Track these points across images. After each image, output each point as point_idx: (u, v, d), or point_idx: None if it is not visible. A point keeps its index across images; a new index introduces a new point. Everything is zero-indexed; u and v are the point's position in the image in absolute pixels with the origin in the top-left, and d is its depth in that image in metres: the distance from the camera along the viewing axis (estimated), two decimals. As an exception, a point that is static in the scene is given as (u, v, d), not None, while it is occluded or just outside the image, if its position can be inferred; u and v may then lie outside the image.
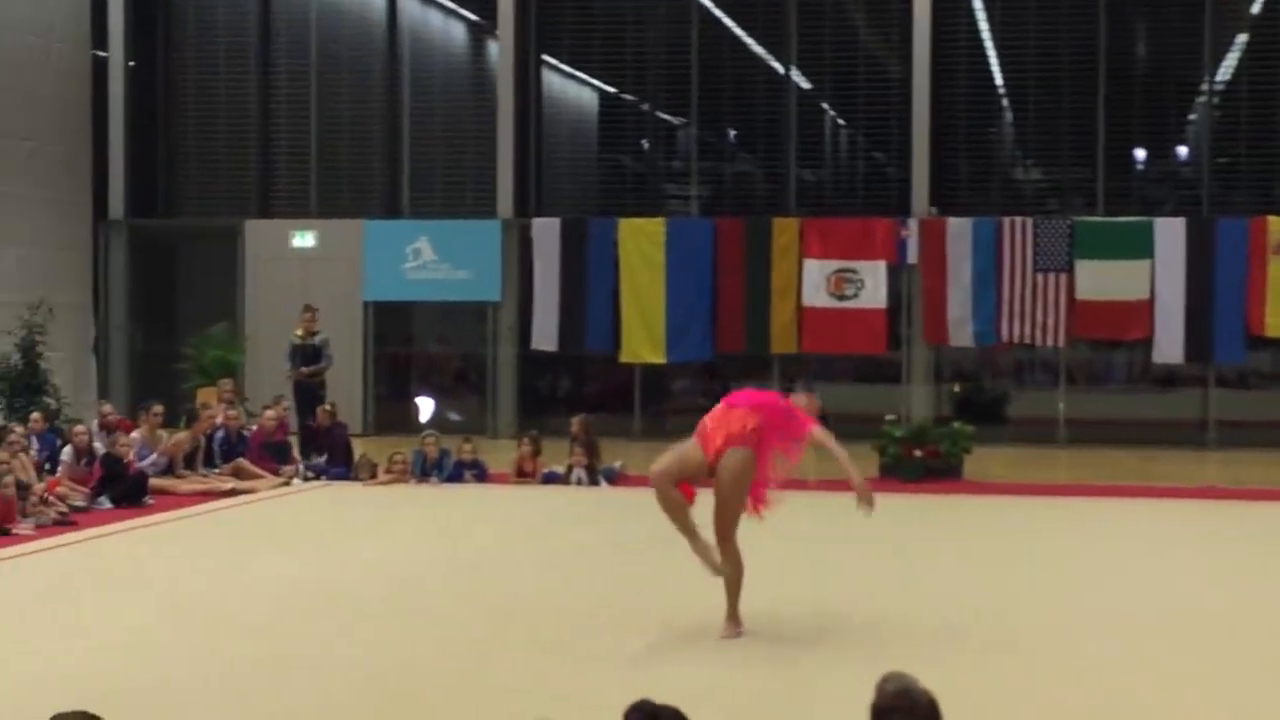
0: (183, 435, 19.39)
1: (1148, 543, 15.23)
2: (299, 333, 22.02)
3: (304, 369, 21.74)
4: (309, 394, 21.59)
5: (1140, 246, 24.44)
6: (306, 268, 26.74)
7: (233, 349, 24.74)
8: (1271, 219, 24.20)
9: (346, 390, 24.64)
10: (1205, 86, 25.84)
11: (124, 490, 17.18)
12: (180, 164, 28.35)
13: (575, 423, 20.07)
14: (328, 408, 20.93)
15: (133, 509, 16.85)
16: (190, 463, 19.12)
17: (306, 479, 19.76)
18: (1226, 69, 26.00)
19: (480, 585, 12.43)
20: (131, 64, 27.72)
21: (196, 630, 10.71)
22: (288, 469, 19.76)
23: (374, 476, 19.63)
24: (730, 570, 10.38)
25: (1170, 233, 24.46)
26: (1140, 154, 26.55)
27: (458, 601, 11.73)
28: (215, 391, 21.77)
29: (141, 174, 27.93)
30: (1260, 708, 8.89)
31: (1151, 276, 24.40)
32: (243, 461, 19.40)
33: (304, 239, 27.02)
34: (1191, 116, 26.49)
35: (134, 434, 18.59)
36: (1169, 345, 24.48)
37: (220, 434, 19.69)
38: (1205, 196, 25.65)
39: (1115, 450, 23.85)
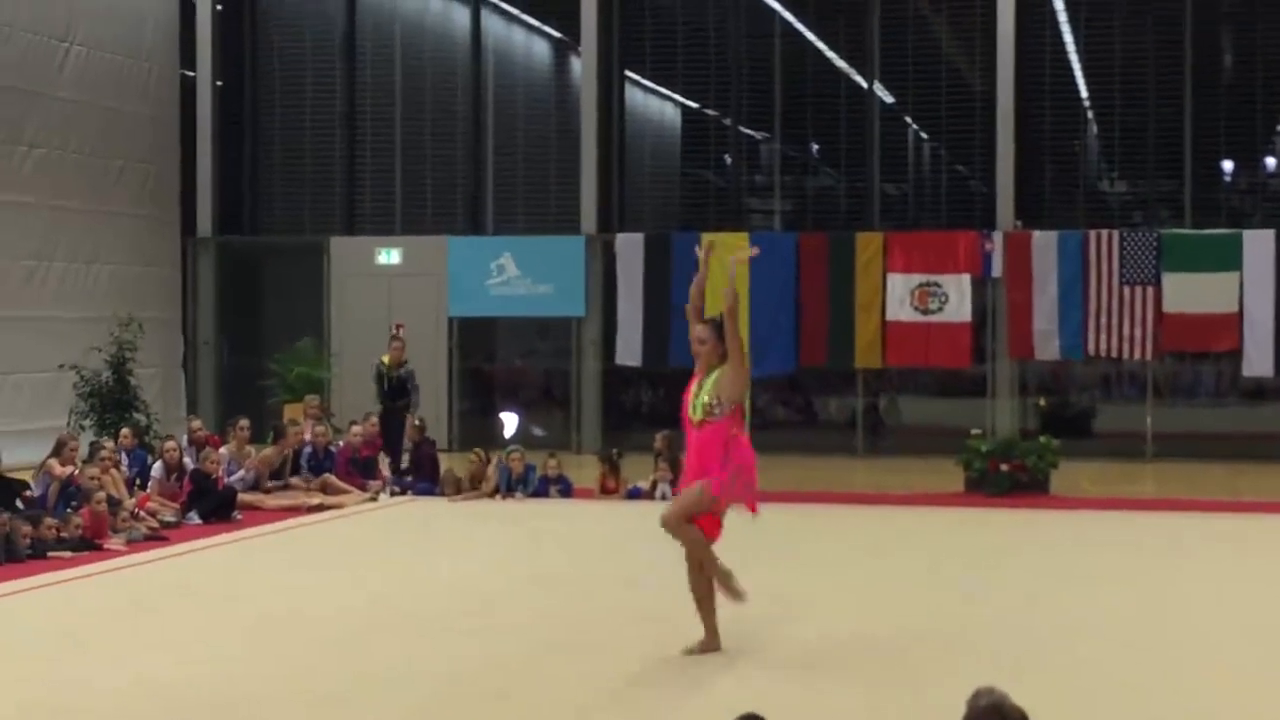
0: (270, 451, 19.54)
1: (1235, 558, 15.09)
2: (386, 360, 22.01)
3: (397, 403, 21.68)
4: (397, 423, 21.55)
5: (1228, 259, 24.22)
6: (391, 284, 26.94)
7: (318, 365, 24.93)
8: (1362, 230, 23.94)
9: (432, 406, 24.77)
10: (1293, 97, 25.61)
11: (213, 505, 17.34)
12: (266, 182, 28.63)
13: (659, 438, 20.08)
14: (416, 423, 21.04)
15: (222, 524, 16.99)
16: (279, 475, 19.30)
17: (393, 494, 19.88)
18: (1315, 78, 25.75)
19: (563, 602, 12.46)
20: (219, 83, 28.04)
21: (285, 644, 10.80)
22: (374, 484, 19.88)
23: (459, 492, 19.71)
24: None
25: (1259, 245, 24.23)
26: (1228, 165, 26.32)
27: (541, 618, 11.77)
28: (301, 407, 21.93)
29: (229, 192, 28.23)
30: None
31: (1240, 289, 24.17)
32: (330, 477, 19.53)
33: (389, 256, 27.20)
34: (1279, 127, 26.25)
35: (222, 449, 18.77)
36: (1258, 358, 24.24)
37: (307, 450, 19.85)
38: (1294, 208, 25.41)
39: (1203, 464, 23.64)
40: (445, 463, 21.11)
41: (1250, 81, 25.84)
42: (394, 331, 22.66)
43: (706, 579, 10.32)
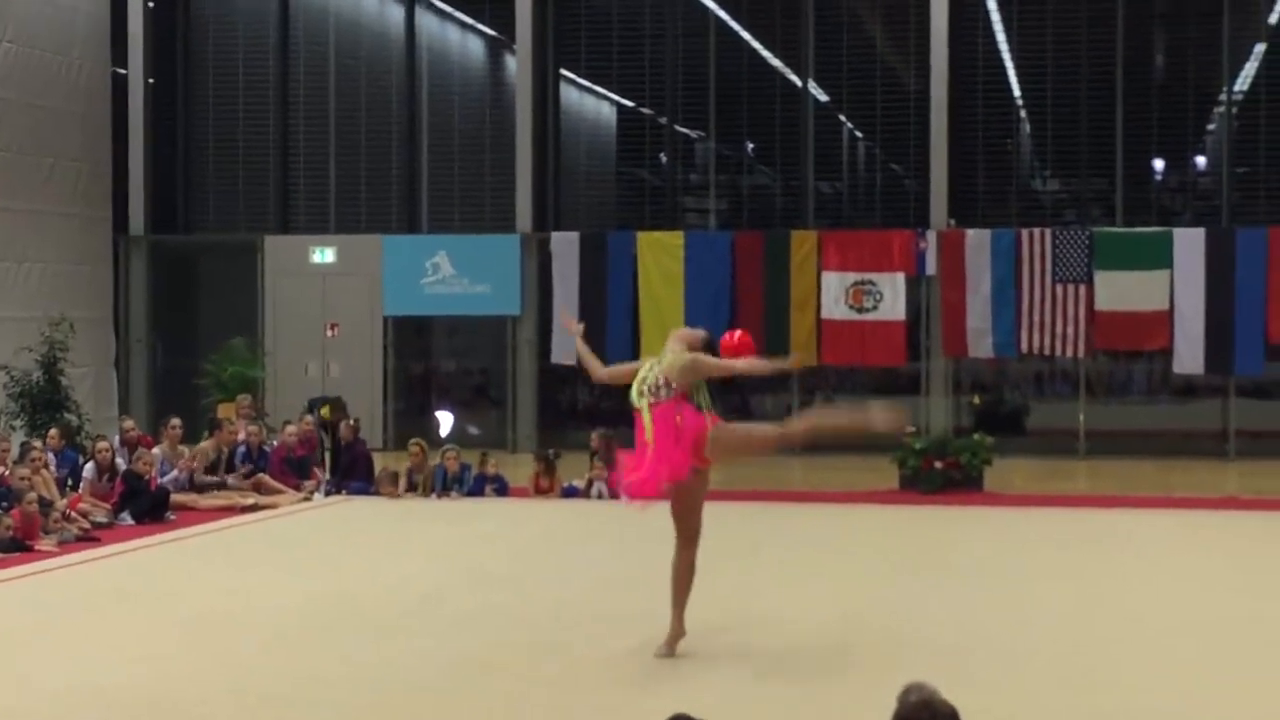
0: (205, 444, 19.49)
1: (1167, 554, 15.22)
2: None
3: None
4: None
5: (1159, 257, 24.42)
6: (326, 283, 26.86)
7: (252, 364, 24.79)
8: (1291, 229, 24.17)
9: (366, 405, 24.70)
10: (1224, 96, 25.82)
11: (145, 506, 17.23)
12: (199, 180, 28.44)
13: (595, 437, 20.09)
14: (350, 423, 20.97)
15: (155, 525, 16.89)
16: (214, 470, 19.19)
17: (328, 494, 19.80)
18: (1245, 79, 25.97)
19: (501, 600, 12.44)
20: (151, 81, 27.82)
21: (218, 645, 10.74)
22: (309, 484, 19.80)
23: (394, 491, 19.65)
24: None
25: (1189, 243, 24.43)
26: (1159, 164, 26.52)
27: (478, 617, 11.75)
28: (235, 407, 21.81)
29: (161, 190, 28.03)
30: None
31: (1171, 287, 24.35)
32: (264, 476, 19.45)
33: (323, 255, 27.08)
34: (1210, 126, 26.47)
35: (155, 450, 18.65)
36: (1189, 356, 24.44)
37: (241, 449, 19.76)
38: (1224, 206, 25.62)
39: (1135, 461, 23.84)
40: (380, 462, 21.03)
41: (1181, 81, 26.06)
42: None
43: (688, 567, 10.43)
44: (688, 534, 10.56)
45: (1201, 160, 26.75)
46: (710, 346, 10.66)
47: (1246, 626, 11.29)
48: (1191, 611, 11.91)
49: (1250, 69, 25.93)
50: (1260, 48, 25.86)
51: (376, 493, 19.78)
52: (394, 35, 27.93)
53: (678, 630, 10.36)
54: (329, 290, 26.82)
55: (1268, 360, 24.56)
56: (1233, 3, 25.50)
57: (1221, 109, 25.95)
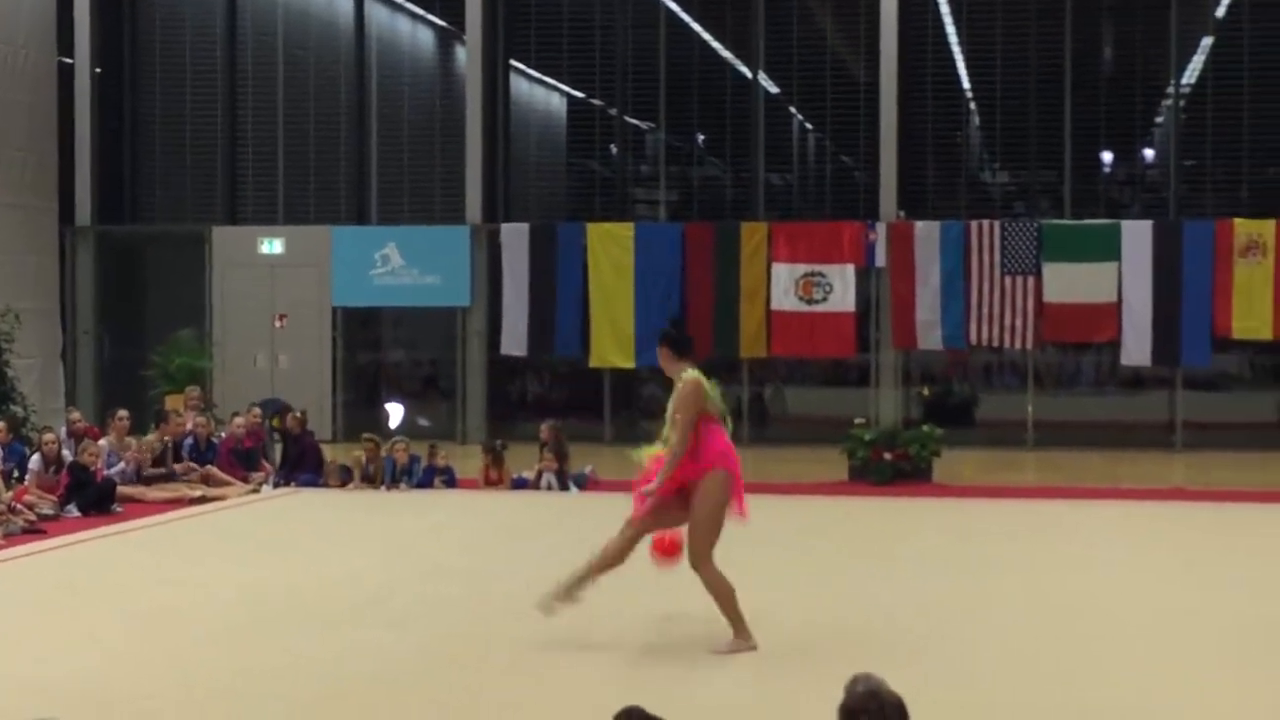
0: (151, 436, 19.37)
1: (1115, 545, 15.29)
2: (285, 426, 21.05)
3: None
4: None
5: (1107, 249, 24.54)
6: (274, 274, 26.76)
7: (199, 356, 24.65)
8: (1237, 221, 24.32)
9: (315, 397, 24.61)
10: (1171, 90, 25.96)
11: (92, 498, 17.10)
12: (147, 170, 28.28)
13: (544, 428, 20.06)
14: (298, 415, 20.87)
15: (101, 517, 16.78)
16: (162, 462, 19.08)
17: (276, 486, 19.72)
18: (1192, 72, 26.12)
19: (450, 592, 12.41)
20: (98, 71, 27.64)
21: (166, 638, 10.67)
22: (257, 476, 19.71)
23: (342, 484, 19.60)
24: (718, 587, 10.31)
25: (1137, 235, 24.56)
26: (1107, 157, 26.65)
27: (428, 609, 11.72)
28: (183, 398, 21.69)
29: (108, 180, 27.85)
30: (1227, 705, 8.93)
31: (1118, 279, 24.49)
32: (212, 469, 19.36)
33: (271, 246, 26.97)
34: (1158, 119, 26.61)
35: (101, 441, 18.52)
36: (1136, 348, 24.57)
37: (189, 441, 19.66)
38: (1172, 199, 25.77)
39: (1083, 452, 23.97)
40: (328, 454, 20.96)
41: (1129, 74, 26.19)
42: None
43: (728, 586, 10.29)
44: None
45: (1149, 153, 26.90)
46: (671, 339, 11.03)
47: (1191, 617, 11.36)
48: (1137, 603, 11.97)
49: (1198, 62, 26.09)
50: (1207, 41, 26.03)
51: (325, 485, 19.71)
52: (343, 25, 27.83)
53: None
54: (277, 281, 26.72)
55: (1214, 352, 24.73)
56: (1180, -4, 25.66)
57: (1169, 102, 26.10)
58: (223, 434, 20.34)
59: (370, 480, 19.57)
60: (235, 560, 14.27)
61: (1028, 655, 10.11)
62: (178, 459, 19.43)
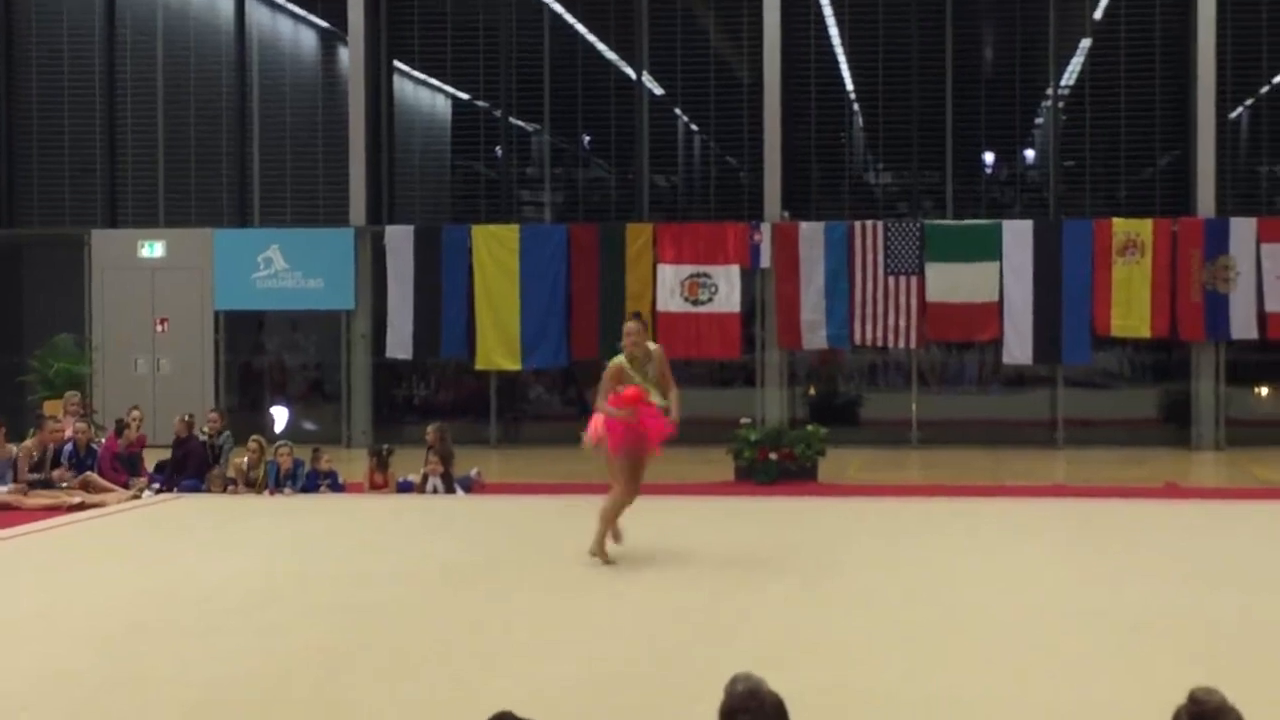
0: (29, 442, 19.09)
1: (998, 542, 15.42)
2: (204, 430, 20.51)
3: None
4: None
5: (988, 249, 24.79)
6: (155, 278, 26.48)
7: (79, 361, 24.34)
8: (1116, 221, 24.66)
9: (199, 402, 24.34)
10: (1050, 91, 26.26)
11: (-32, 506, 16.83)
12: (24, 172, 27.86)
13: (430, 431, 19.95)
14: (185, 418, 20.58)
15: (-23, 525, 16.52)
16: (39, 469, 18.80)
17: (158, 491, 19.48)
18: (1071, 73, 26.44)
19: (335, 598, 12.31)
20: (-28, 72, 27.23)
21: (44, 647, 10.51)
22: (138, 482, 19.47)
23: (224, 489, 19.40)
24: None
25: (1018, 235, 24.82)
26: (988, 158, 26.92)
27: (312, 615, 11.62)
28: (62, 404, 21.40)
29: (-16, 183, 27.44)
30: (1105, 701, 9.01)
31: (1000, 278, 24.74)
32: (92, 475, 19.10)
33: (152, 249, 26.67)
34: (1038, 120, 26.90)
35: (-22, 449, 18.24)
36: (1018, 346, 24.84)
37: (69, 447, 19.38)
38: (1052, 199, 26.07)
39: (967, 450, 24.20)
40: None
41: (1009, 76, 26.45)
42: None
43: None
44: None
45: (1029, 154, 27.19)
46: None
47: (1072, 614, 11.47)
48: (1018, 599, 12.07)
49: (1076, 64, 26.41)
50: (1086, 43, 26.36)
51: (208, 490, 19.50)
52: (224, 25, 27.55)
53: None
54: (158, 285, 26.44)
55: (1094, 350, 25.06)
56: (1058, -2, 25.96)
57: (1048, 103, 26.39)
58: (103, 440, 20.07)
59: (253, 485, 19.38)
60: (113, 567, 14.08)
61: (909, 653, 10.16)
62: (56, 465, 19.15)
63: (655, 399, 13.63)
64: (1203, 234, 24.45)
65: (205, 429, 20.30)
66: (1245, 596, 12.04)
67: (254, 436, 20.03)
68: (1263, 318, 24.38)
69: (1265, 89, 25.86)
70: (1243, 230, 24.43)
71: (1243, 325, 24.42)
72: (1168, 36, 25.77)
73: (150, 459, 20.62)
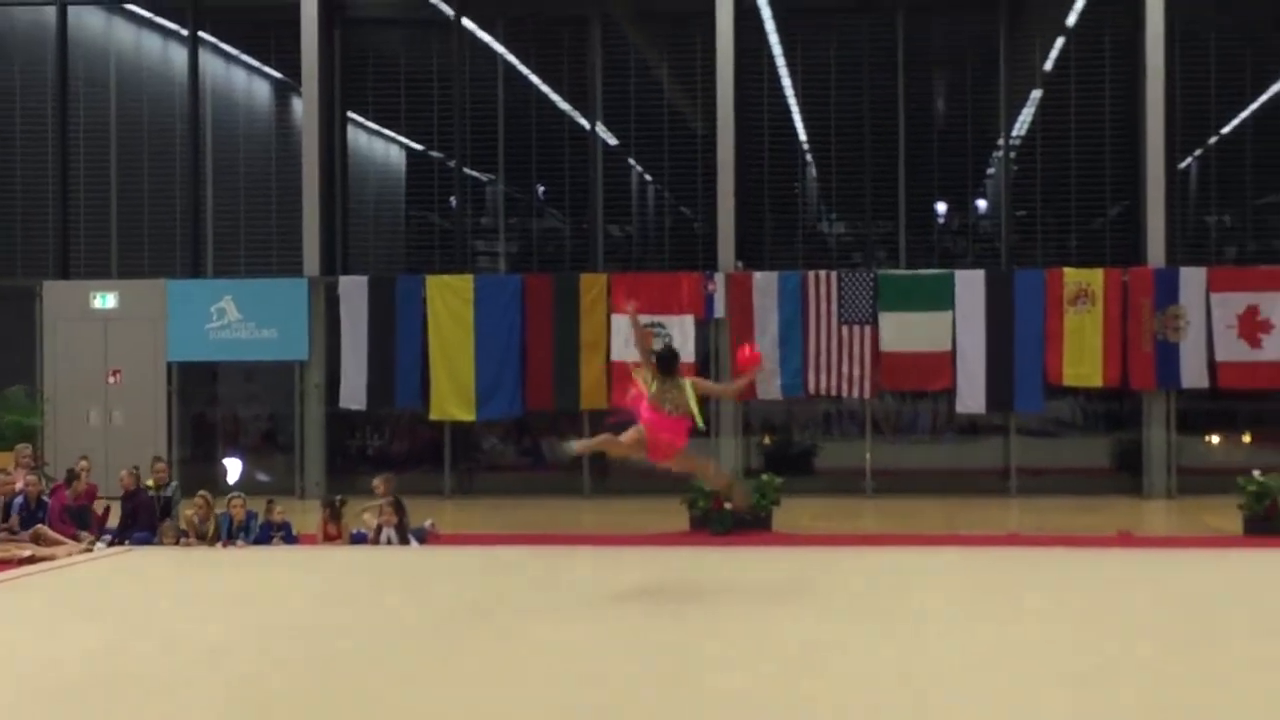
0: (-21, 498, 18.97)
1: (954, 590, 15.43)
2: (150, 483, 20.40)
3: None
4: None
5: (941, 298, 24.91)
6: (108, 329, 26.36)
7: (31, 413, 24.20)
8: (1067, 271, 24.83)
9: (151, 453, 24.16)
10: (1002, 141, 26.44)
11: (-83, 560, 16.68)
12: (-25, 224, 27.74)
13: (379, 482, 19.86)
14: (133, 470, 20.45)
15: (-73, 579, 16.37)
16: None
17: (110, 544, 19.33)
18: (1022, 124, 26.63)
19: (287, 652, 12.23)
20: (-76, 122, 27.11)
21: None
22: (87, 536, 19.31)
23: (177, 541, 19.26)
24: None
25: (970, 285, 24.96)
26: (941, 208, 27.06)
27: (262, 670, 11.53)
28: (13, 456, 21.24)
29: (-65, 234, 27.30)
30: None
31: (953, 328, 24.87)
32: (42, 528, 18.94)
33: (105, 300, 26.56)
34: (989, 171, 27.08)
35: (-72, 502, 18.08)
36: (971, 395, 24.95)
37: (19, 500, 19.23)
38: (1004, 249, 26.22)
39: (921, 499, 24.25)
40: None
41: (961, 127, 26.63)
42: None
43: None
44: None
45: (982, 204, 27.35)
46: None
47: (1022, 664, 11.48)
48: (978, 648, 12.07)
49: (1027, 115, 26.60)
50: (1036, 94, 26.56)
51: (160, 542, 19.37)
52: (177, 76, 27.53)
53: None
54: (111, 336, 26.32)
55: (1046, 399, 25.17)
56: (1009, 50, 26.16)
57: (1000, 154, 26.57)
58: (51, 491, 19.92)
59: (204, 537, 19.25)
60: (63, 622, 13.95)
61: (858, 703, 10.15)
62: (6, 517, 19.00)
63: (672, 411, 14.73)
64: (1153, 283, 24.64)
65: (151, 481, 20.20)
66: (1195, 646, 12.07)
67: (201, 491, 19.89)
68: (1213, 366, 24.58)
69: (1214, 139, 26.11)
70: (1192, 280, 24.63)
71: (1193, 374, 24.60)
72: (1117, 88, 26.01)
73: (102, 510, 20.47)
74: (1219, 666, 11.30)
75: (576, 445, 15.63)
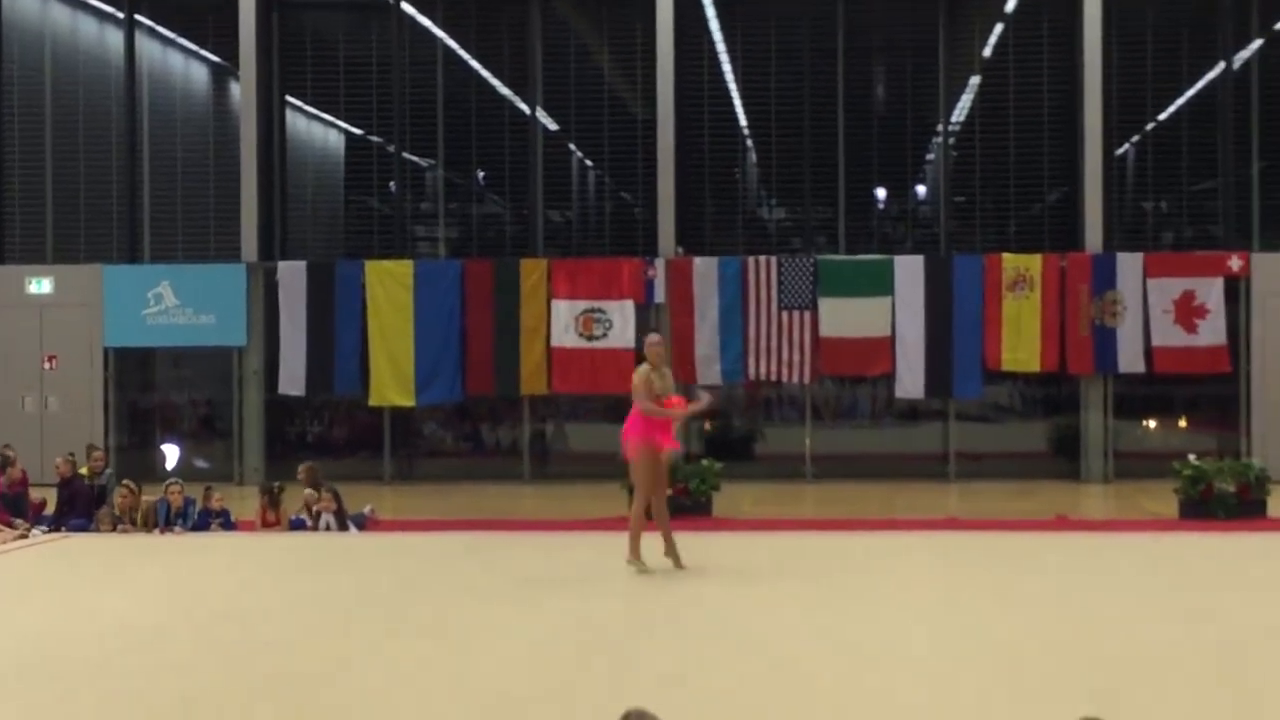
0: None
1: (894, 573, 15.49)
2: (83, 470, 20.25)
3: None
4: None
5: (880, 284, 24.99)
6: (43, 314, 26.17)
7: (-35, 399, 24.01)
8: (1005, 256, 24.95)
9: (86, 440, 24.02)
10: (941, 127, 26.53)
11: None
12: (-91, 209, 27.46)
13: (302, 470, 19.79)
14: (69, 457, 20.31)
15: None
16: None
17: (46, 531, 19.20)
18: (961, 110, 26.74)
19: (226, 637, 12.17)
20: None
21: (-76, 691, 10.31)
22: (22, 522, 19.17)
23: (114, 528, 19.14)
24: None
25: (909, 270, 25.05)
26: (880, 193, 27.14)
27: (198, 655, 11.48)
28: (-54, 444, 21.06)
29: None
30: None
31: (892, 313, 24.96)
32: (-23, 515, 18.81)
33: (40, 285, 26.36)
34: (929, 157, 27.18)
35: None
36: (910, 380, 25.05)
37: (-47, 488, 19.09)
38: (943, 235, 26.32)
39: (861, 484, 24.33)
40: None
41: (900, 112, 26.71)
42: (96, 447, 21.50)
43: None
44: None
45: (921, 190, 27.45)
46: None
47: (960, 646, 11.54)
48: (910, 633, 12.13)
49: (966, 101, 26.71)
50: (975, 80, 26.66)
51: (97, 529, 19.24)
52: (113, 60, 27.30)
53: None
54: (46, 322, 26.12)
55: (985, 384, 25.30)
56: (948, 36, 26.26)
57: (939, 140, 26.66)
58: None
59: (133, 523, 19.11)
60: (1, 607, 13.84)
61: (799, 689, 10.18)
62: (-59, 506, 18.86)
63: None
64: (1090, 269, 24.79)
65: (84, 468, 20.05)
66: (1131, 627, 12.17)
67: (125, 480, 19.71)
68: (1149, 351, 24.75)
69: (1151, 126, 26.27)
70: (1129, 265, 24.79)
71: (1130, 359, 24.76)
72: (1055, 75, 26.14)
73: (37, 497, 20.33)
74: (1143, 648, 11.38)
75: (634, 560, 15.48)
